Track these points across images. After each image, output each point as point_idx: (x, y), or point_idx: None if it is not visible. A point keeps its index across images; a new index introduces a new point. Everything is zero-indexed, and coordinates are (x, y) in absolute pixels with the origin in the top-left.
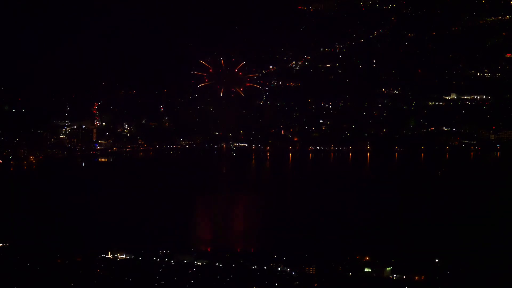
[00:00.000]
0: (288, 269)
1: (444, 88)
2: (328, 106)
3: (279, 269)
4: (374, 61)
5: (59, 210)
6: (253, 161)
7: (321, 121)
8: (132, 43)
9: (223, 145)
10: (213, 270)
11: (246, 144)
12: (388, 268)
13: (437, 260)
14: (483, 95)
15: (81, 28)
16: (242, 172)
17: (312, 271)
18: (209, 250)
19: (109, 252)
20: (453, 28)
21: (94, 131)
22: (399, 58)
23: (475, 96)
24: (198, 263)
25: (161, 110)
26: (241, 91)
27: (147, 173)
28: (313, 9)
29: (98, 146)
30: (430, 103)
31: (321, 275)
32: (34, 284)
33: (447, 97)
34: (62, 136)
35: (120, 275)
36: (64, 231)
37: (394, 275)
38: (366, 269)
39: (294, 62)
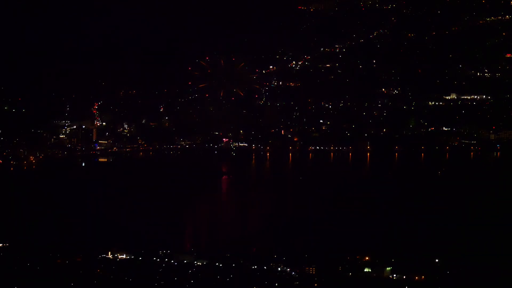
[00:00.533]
0: (288, 269)
1: (444, 88)
2: (328, 106)
3: (279, 269)
4: (374, 61)
5: (59, 210)
6: (253, 161)
7: (321, 121)
8: (132, 43)
9: (223, 142)
10: (213, 270)
11: (246, 144)
12: (388, 268)
13: (437, 260)
14: (483, 95)
15: (81, 28)
16: (242, 172)
17: (312, 271)
18: (209, 250)
19: (109, 252)
20: (453, 28)
21: (94, 131)
22: (399, 58)
23: (475, 96)
24: (198, 263)
25: (161, 110)
26: (241, 91)
27: (147, 173)
28: (313, 9)
29: (98, 146)
30: (430, 103)
31: (321, 275)
32: (34, 284)
33: (447, 97)
34: (62, 136)
35: (120, 275)
36: (64, 231)
37: (394, 275)
38: (366, 269)
39: (294, 62)
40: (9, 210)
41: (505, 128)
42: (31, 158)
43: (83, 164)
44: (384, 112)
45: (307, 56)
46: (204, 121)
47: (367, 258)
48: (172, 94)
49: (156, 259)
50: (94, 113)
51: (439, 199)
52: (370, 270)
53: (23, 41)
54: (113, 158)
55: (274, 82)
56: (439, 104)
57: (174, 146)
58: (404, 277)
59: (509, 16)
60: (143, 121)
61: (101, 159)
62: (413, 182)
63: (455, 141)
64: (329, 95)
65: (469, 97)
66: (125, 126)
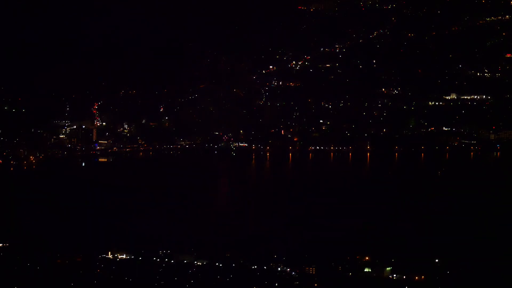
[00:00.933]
0: (288, 269)
1: (444, 88)
2: (328, 106)
3: (279, 269)
4: (374, 61)
5: (59, 210)
6: (253, 161)
7: (321, 121)
8: (132, 43)
9: (223, 140)
10: (213, 270)
11: (246, 144)
12: (388, 268)
13: (437, 260)
14: (483, 95)
15: (81, 28)
16: (242, 172)
17: (312, 271)
18: (209, 250)
19: (109, 252)
20: (453, 28)
21: (94, 131)
22: (399, 58)
23: (475, 96)
24: (198, 263)
25: (161, 110)
26: (241, 91)
27: (147, 173)
28: (313, 9)
29: (98, 146)
30: (430, 103)
31: (321, 275)
32: (34, 284)
33: (447, 97)
34: (62, 136)
35: (120, 275)
36: (64, 231)
37: (394, 275)
38: (366, 269)
39: (294, 62)
40: (9, 210)
41: (505, 128)
42: (31, 158)
43: (83, 164)
44: (384, 112)
45: (307, 56)
46: (204, 121)
47: (367, 258)
48: (172, 94)
49: (156, 259)
50: (94, 113)
51: (439, 199)
52: (370, 270)
53: (23, 41)
54: (113, 158)
55: (274, 82)
56: (439, 104)
57: (174, 146)
58: (404, 277)
59: (509, 16)
60: (143, 121)
61: (101, 159)
62: (413, 182)
63: (455, 141)
64: (329, 95)
65: (469, 97)
66: (125, 126)
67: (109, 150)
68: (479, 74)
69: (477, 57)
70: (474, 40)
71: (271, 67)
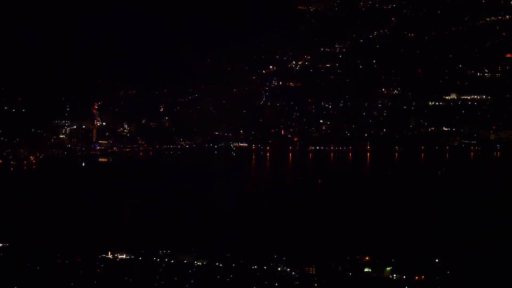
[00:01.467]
0: (288, 269)
1: (444, 88)
2: (328, 106)
3: (279, 269)
4: (374, 61)
5: (59, 210)
6: (253, 161)
7: (321, 121)
8: (132, 43)
9: (223, 142)
10: (213, 270)
11: (246, 144)
12: (388, 268)
13: (437, 260)
14: (483, 95)
15: (81, 28)
16: (242, 172)
17: (312, 271)
18: (209, 250)
19: (109, 252)
20: (453, 28)
21: (94, 131)
22: (399, 58)
23: (475, 96)
24: (198, 263)
25: (161, 110)
26: (240, 91)
27: (147, 173)
28: (313, 9)
29: (98, 146)
30: (430, 103)
31: (321, 275)
32: (34, 284)
33: (447, 97)
34: (62, 136)
35: (120, 275)
36: (64, 231)
37: (394, 275)
38: (366, 269)
39: (294, 62)
40: (9, 210)
41: (505, 128)
42: (31, 158)
43: (83, 164)
44: (384, 112)
45: (307, 56)
46: (204, 121)
47: (367, 258)
48: (172, 94)
49: (156, 259)
50: (94, 113)
51: (439, 199)
52: (370, 270)
53: (23, 41)
54: (113, 158)
55: (274, 82)
56: (439, 104)
57: (174, 146)
58: (404, 277)
59: (509, 16)
60: (143, 121)
61: (101, 159)
62: (413, 182)
63: (455, 141)
64: (329, 95)
65: (469, 97)
66: (125, 126)
67: (109, 150)
68: (479, 74)
69: (477, 57)
70: (474, 40)
71: (271, 67)
